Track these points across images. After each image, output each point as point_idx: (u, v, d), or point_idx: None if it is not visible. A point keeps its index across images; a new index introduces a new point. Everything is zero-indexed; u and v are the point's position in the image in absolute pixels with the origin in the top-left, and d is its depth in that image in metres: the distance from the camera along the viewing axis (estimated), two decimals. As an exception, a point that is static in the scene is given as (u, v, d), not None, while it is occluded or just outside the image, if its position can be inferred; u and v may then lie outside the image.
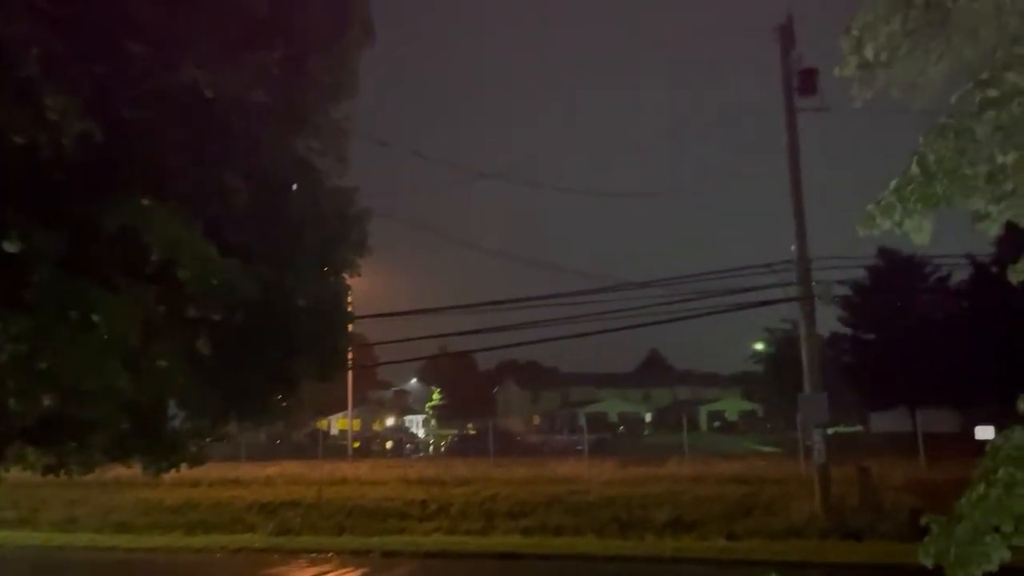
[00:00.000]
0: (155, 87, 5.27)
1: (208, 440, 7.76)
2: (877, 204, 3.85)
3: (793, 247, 18.73)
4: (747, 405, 67.24)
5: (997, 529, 3.77)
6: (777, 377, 45.68)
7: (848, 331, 45.53)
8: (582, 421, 38.37)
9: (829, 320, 47.15)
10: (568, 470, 25.03)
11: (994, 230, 3.78)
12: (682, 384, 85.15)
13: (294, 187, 6.94)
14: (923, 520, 4.21)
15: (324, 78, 6.69)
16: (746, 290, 20.31)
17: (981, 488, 3.87)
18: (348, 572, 15.41)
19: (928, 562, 3.98)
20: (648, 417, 74.23)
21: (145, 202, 5.29)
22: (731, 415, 70.44)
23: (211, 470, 23.22)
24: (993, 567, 3.82)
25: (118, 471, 8.31)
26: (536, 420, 76.59)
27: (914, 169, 3.65)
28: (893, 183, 3.78)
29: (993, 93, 3.55)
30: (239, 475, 26.87)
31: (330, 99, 7.02)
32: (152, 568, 17.54)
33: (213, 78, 5.34)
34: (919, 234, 3.86)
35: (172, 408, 7.19)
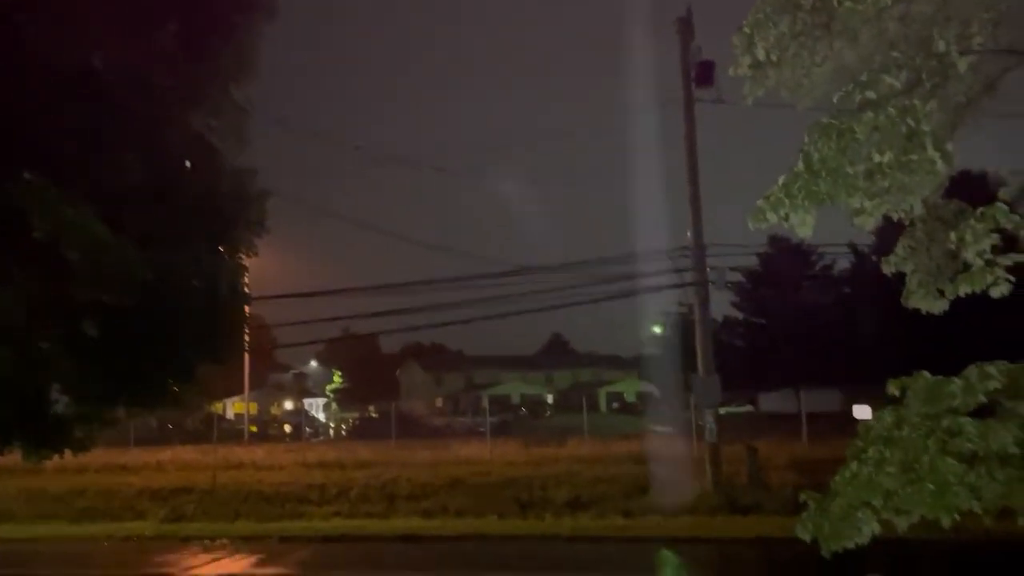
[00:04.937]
0: (49, 67, 5.01)
1: (95, 425, 7.48)
2: (766, 199, 4.04)
3: (689, 233, 19.31)
4: (645, 386, 69.01)
5: (868, 504, 4.03)
6: (672, 359, 47.12)
7: (740, 315, 47.53)
8: (485, 403, 38.62)
9: (723, 305, 48.96)
10: (471, 452, 25.23)
11: (870, 224, 4.04)
12: (584, 367, 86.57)
13: (187, 164, 6.75)
14: (801, 497, 4.47)
15: (224, 58, 6.51)
16: (644, 275, 20.87)
17: (854, 466, 4.13)
18: (243, 558, 15.08)
19: (806, 536, 4.23)
20: (550, 399, 75.24)
21: (28, 176, 5.03)
22: (629, 396, 72.06)
23: (98, 456, 22.29)
24: (864, 540, 4.09)
25: (-3, 458, 7.89)
26: (440, 403, 76.51)
27: (800, 166, 3.85)
28: (781, 179, 3.97)
29: (871, 95, 3.77)
30: (128, 461, 25.94)
31: (231, 79, 6.84)
32: (35, 558, 16.70)
33: (110, 58, 5.13)
34: (803, 227, 4.08)
35: (55, 392, 6.90)
